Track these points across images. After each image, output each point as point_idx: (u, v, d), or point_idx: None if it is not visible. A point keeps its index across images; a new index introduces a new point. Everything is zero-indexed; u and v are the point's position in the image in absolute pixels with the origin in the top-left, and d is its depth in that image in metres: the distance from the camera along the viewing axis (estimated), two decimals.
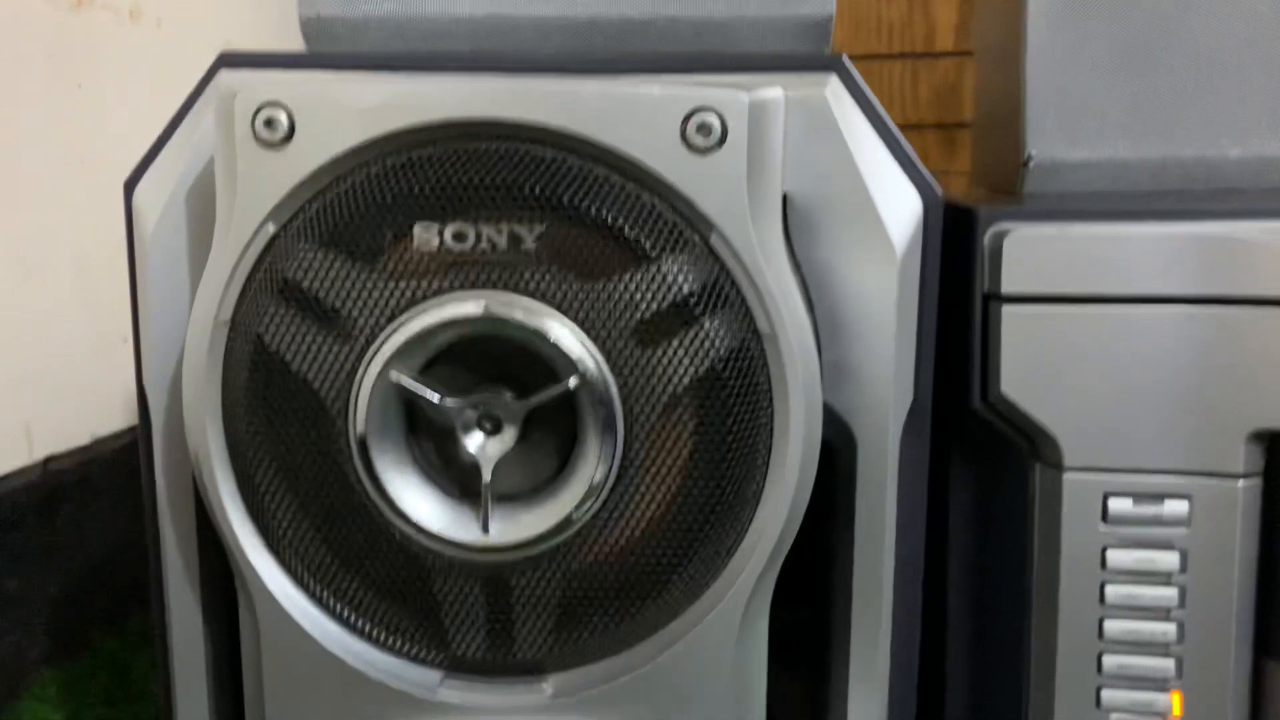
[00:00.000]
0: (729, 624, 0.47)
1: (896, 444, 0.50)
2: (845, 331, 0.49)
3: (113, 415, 1.16)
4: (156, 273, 0.50)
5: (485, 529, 0.45)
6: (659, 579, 0.47)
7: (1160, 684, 0.50)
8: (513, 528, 0.46)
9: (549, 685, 0.48)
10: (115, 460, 1.14)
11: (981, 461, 0.54)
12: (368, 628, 0.48)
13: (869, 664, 0.52)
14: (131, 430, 1.19)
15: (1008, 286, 0.49)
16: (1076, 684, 0.50)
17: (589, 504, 0.45)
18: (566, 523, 0.45)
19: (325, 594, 0.48)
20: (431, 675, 0.48)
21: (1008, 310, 0.50)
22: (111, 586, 1.12)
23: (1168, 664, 0.50)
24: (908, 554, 0.52)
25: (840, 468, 0.52)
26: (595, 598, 0.47)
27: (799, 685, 0.61)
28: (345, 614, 0.48)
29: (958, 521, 0.55)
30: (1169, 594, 0.49)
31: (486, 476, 0.45)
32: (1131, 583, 0.49)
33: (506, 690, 0.48)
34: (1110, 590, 0.50)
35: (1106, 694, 0.50)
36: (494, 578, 0.47)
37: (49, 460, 1.07)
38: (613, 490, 0.45)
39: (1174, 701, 0.50)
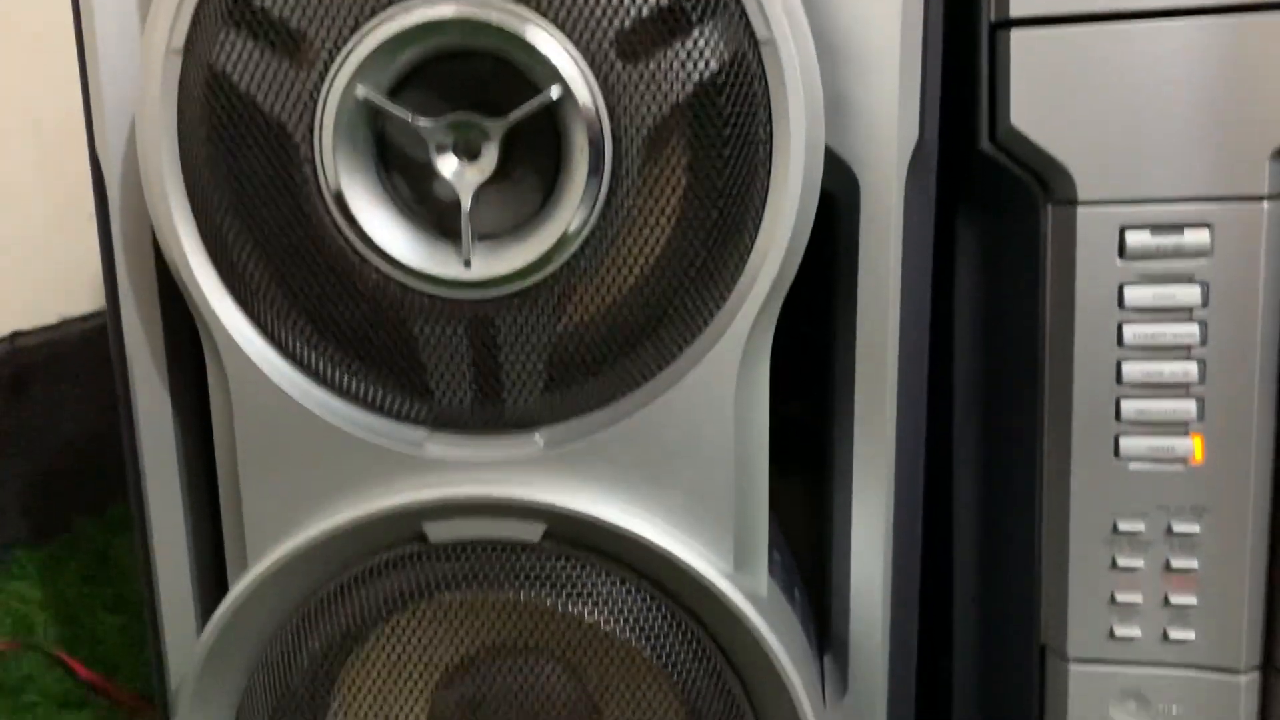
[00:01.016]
0: (727, 366, 0.44)
1: (901, 186, 0.47)
2: (846, 64, 0.46)
3: (80, 297, 1.12)
4: (105, 28, 0.47)
5: (467, 263, 0.42)
6: (654, 317, 0.44)
7: (1180, 428, 0.48)
8: (496, 262, 0.43)
9: (540, 437, 0.45)
10: (85, 343, 1.10)
11: (989, 211, 0.51)
12: (347, 382, 0.45)
13: (873, 448, 0.50)
14: (101, 314, 1.15)
15: (1016, 9, 0.46)
16: (1094, 434, 0.48)
17: (577, 231, 0.42)
18: (555, 251, 0.42)
19: (298, 347, 0.45)
20: (416, 431, 0.46)
21: (1016, 36, 0.47)
22: (87, 472, 1.09)
23: (1189, 405, 0.47)
24: (913, 317, 0.49)
25: (842, 225, 0.49)
26: (586, 341, 0.44)
27: (800, 489, 0.59)
28: (321, 369, 0.45)
29: (964, 281, 0.52)
30: (1190, 330, 0.47)
31: (466, 205, 0.42)
32: (1150, 321, 0.47)
33: (495, 444, 0.45)
34: (1128, 331, 0.47)
35: (1125, 442, 0.48)
36: (478, 323, 0.44)
37: (16, 336, 1.04)
38: (602, 218, 0.42)
39: (1195, 445, 0.48)
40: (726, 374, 0.44)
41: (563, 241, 0.42)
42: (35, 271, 1.06)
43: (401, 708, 0.50)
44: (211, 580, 0.51)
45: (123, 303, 0.48)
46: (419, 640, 0.49)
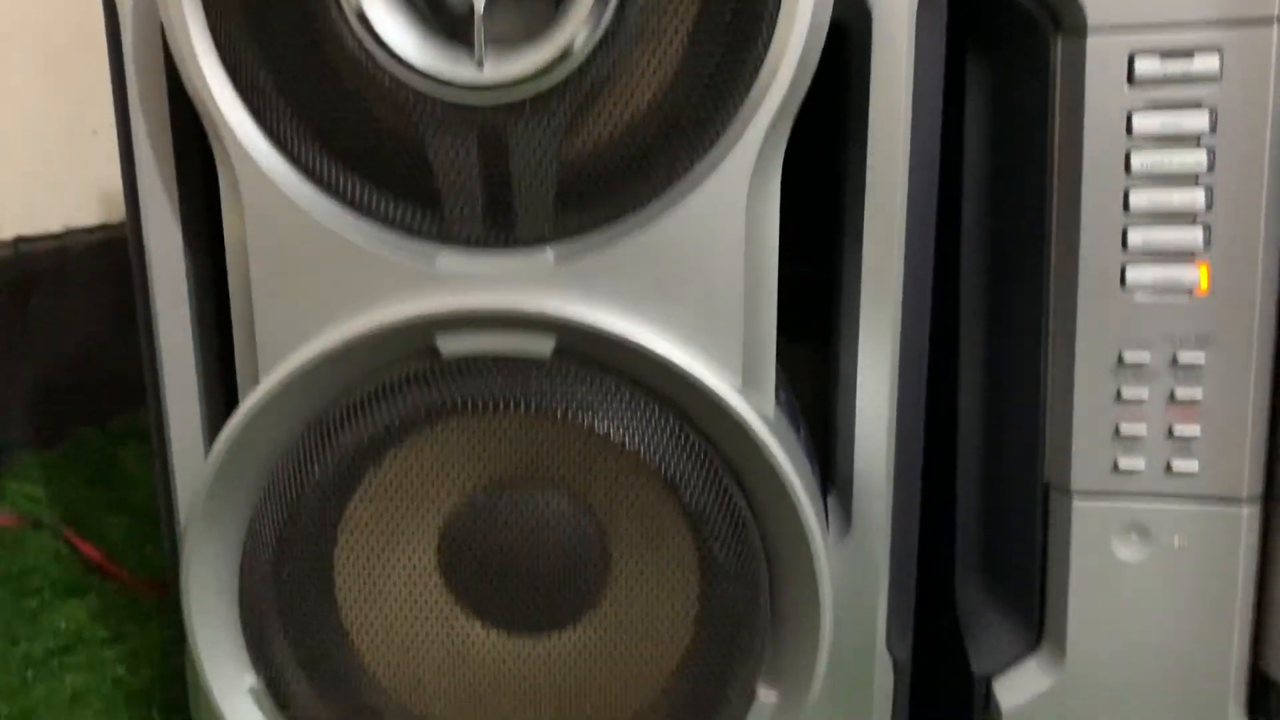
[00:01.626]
0: (739, 179, 0.44)
1: (913, 17, 0.47)
2: None
3: (86, 209, 1.12)
4: None
5: (480, 63, 0.42)
6: (666, 131, 0.44)
7: (1187, 257, 0.48)
8: (510, 65, 0.43)
9: (551, 252, 0.45)
10: (91, 255, 1.10)
11: (998, 46, 0.51)
12: (359, 195, 0.45)
13: (881, 284, 0.50)
14: (107, 227, 1.15)
15: None
16: (1101, 265, 0.48)
17: (588, 37, 0.42)
18: (566, 56, 0.42)
19: (310, 158, 0.45)
20: (428, 245, 0.46)
21: None
22: (93, 384, 1.09)
23: (1195, 234, 0.48)
24: (923, 151, 0.50)
25: (854, 60, 0.49)
26: (598, 155, 0.44)
27: (805, 354, 0.59)
28: (333, 180, 0.45)
29: (974, 117, 0.52)
30: (1198, 158, 0.47)
31: (479, 6, 0.42)
32: (1158, 149, 0.47)
33: (506, 258, 0.45)
34: (1136, 159, 0.47)
35: (1132, 272, 0.48)
36: (490, 134, 0.44)
37: (20, 241, 1.04)
38: (612, 26, 0.42)
39: (1201, 274, 0.48)
40: (738, 187, 0.44)
41: (573, 47, 0.42)
42: (41, 179, 1.06)
43: (408, 542, 0.50)
44: (221, 402, 0.51)
45: (133, 118, 0.49)
46: (426, 472, 0.49)
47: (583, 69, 0.43)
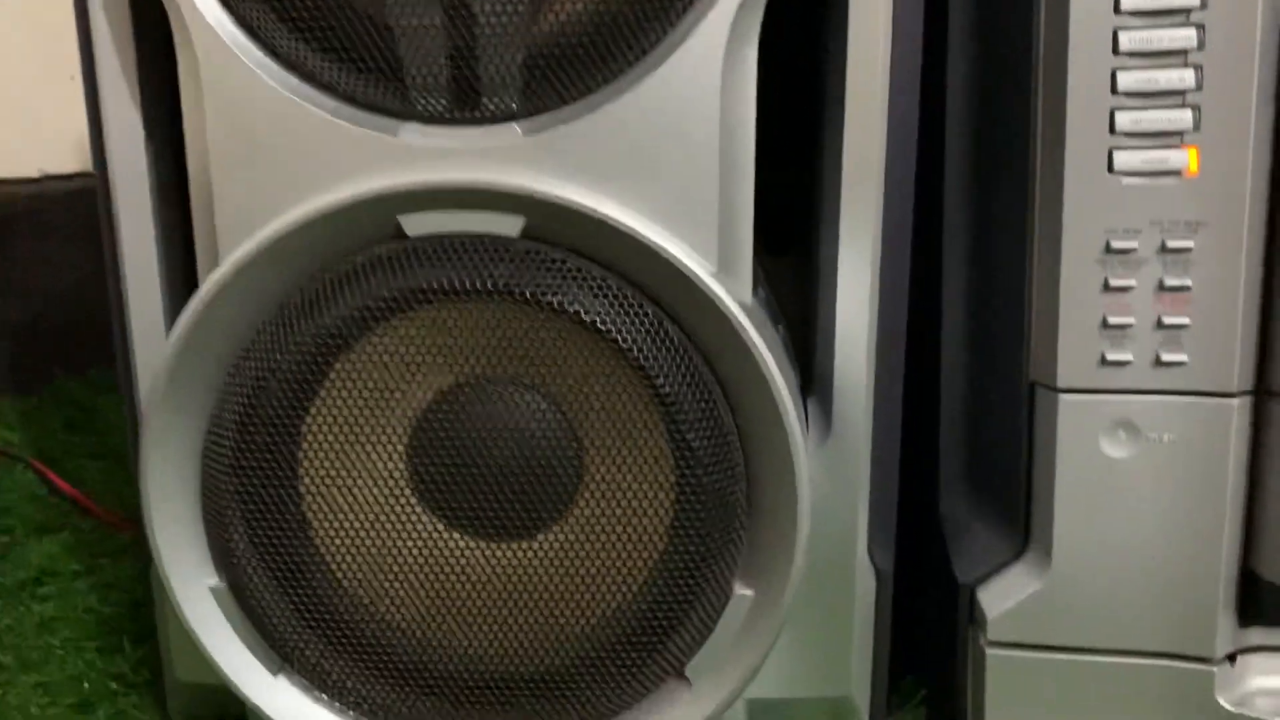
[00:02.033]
0: (712, 51, 0.43)
1: None
2: None
3: (64, 157, 1.10)
4: None
5: None
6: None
7: (1176, 138, 0.46)
8: None
9: (519, 127, 0.44)
10: (69, 202, 1.09)
11: None
12: (321, 70, 0.44)
13: (861, 174, 0.49)
14: (84, 175, 1.14)
15: None
16: (1088, 149, 0.47)
17: None
18: None
19: (270, 30, 0.43)
20: (392, 121, 0.44)
21: None
22: (71, 333, 1.08)
23: (1185, 115, 0.46)
24: (905, 35, 0.48)
25: None
26: (567, 25, 0.43)
27: (787, 271, 0.58)
28: (294, 55, 0.44)
29: (956, 11, 0.51)
30: (1187, 35, 0.45)
31: None
32: (1147, 25, 0.46)
33: (473, 133, 0.44)
34: (1124, 37, 0.46)
35: (1119, 156, 0.47)
36: (455, 4, 0.43)
37: None
38: None
39: (1190, 157, 0.46)
40: (712, 58, 0.43)
41: None
42: (17, 124, 1.04)
43: (376, 442, 0.49)
44: (184, 298, 0.49)
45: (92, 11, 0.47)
46: (394, 367, 0.48)
47: None
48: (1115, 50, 0.46)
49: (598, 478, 0.48)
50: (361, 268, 0.45)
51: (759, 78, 0.45)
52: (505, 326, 0.46)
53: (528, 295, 0.44)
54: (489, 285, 0.44)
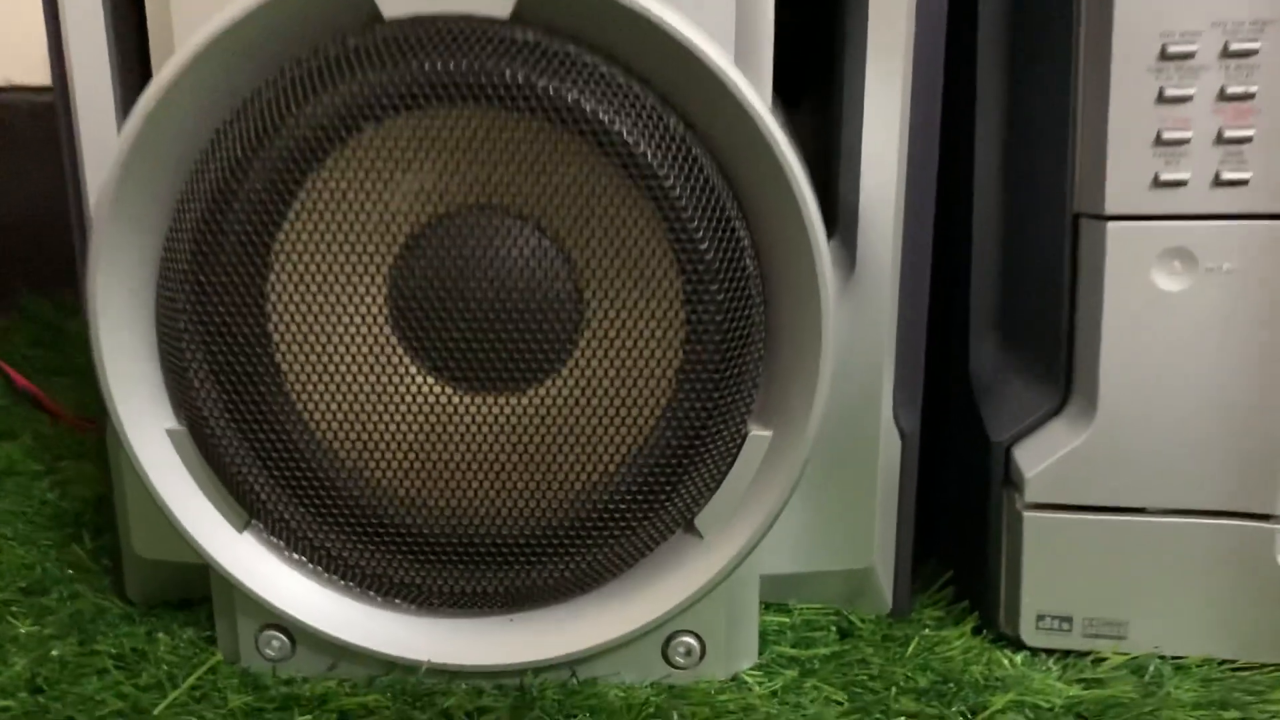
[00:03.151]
0: None
1: None
2: None
3: (33, 68, 1.05)
4: None
5: None
6: None
7: None
8: None
9: None
10: (35, 116, 1.04)
11: None
12: None
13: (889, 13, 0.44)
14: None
15: None
16: None
17: None
18: None
19: None
20: None
21: None
22: (40, 251, 1.03)
23: None
24: None
25: None
26: None
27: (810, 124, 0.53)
28: None
29: None
30: None
31: None
32: None
33: None
34: None
35: None
36: None
37: None
38: None
39: None
40: None
41: None
42: None
43: (352, 278, 0.44)
44: (137, 83, 0.44)
45: None
46: (371, 187, 0.43)
47: None
48: None
49: (599, 320, 0.43)
50: (333, 62, 0.40)
51: None
52: (498, 137, 0.41)
53: (537, 93, 0.39)
54: (492, 81, 0.39)
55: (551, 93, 0.39)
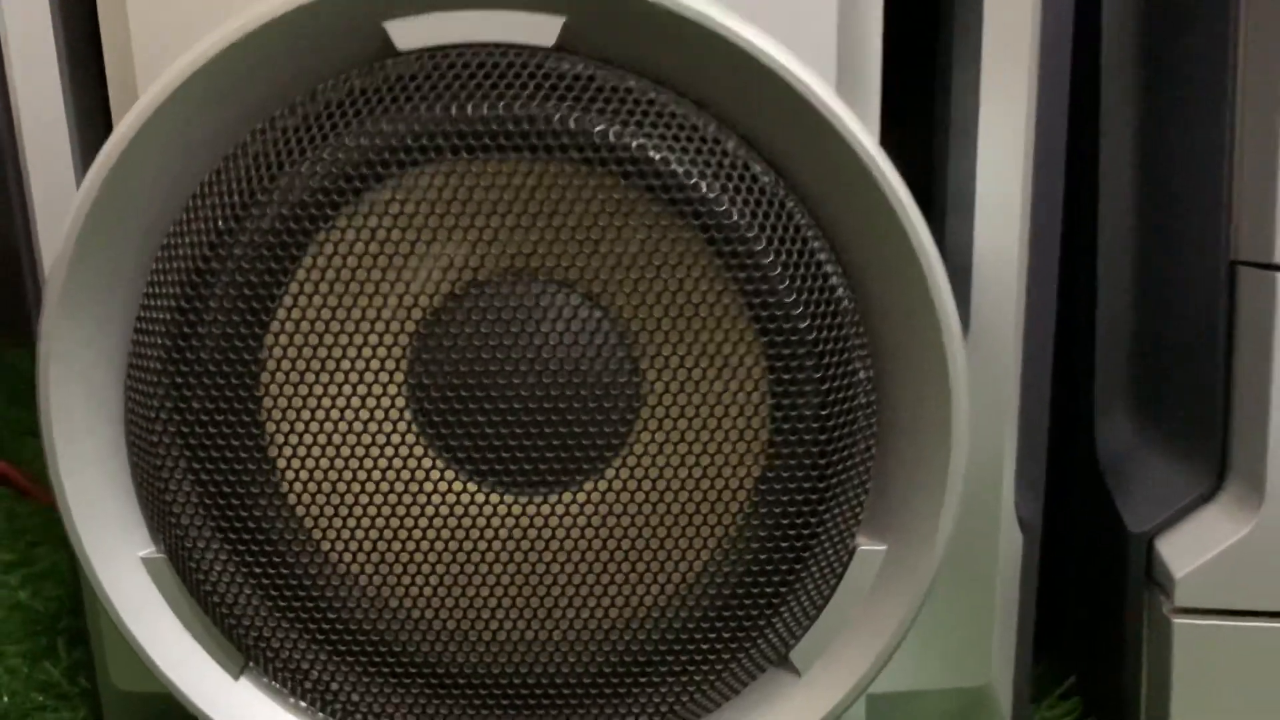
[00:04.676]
0: None
1: None
2: None
3: None
4: None
5: None
6: None
7: None
8: None
9: None
10: None
11: None
12: None
13: (1006, 51, 0.36)
14: None
15: None
16: None
17: None
18: None
19: None
20: None
21: None
22: (9, 296, 0.96)
23: None
24: None
25: None
26: None
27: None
28: None
29: None
30: None
31: None
32: None
33: None
34: None
35: None
36: None
37: None
38: None
39: None
40: None
41: None
42: None
43: (364, 362, 0.36)
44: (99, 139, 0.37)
45: None
46: (383, 255, 0.35)
47: None
48: None
49: (662, 407, 0.36)
50: (335, 107, 0.32)
51: None
52: (541, 191, 0.34)
53: (593, 141, 0.31)
54: (536, 129, 0.31)
55: (612, 140, 0.31)
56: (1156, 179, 0.41)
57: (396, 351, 0.36)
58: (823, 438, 0.34)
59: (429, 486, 0.37)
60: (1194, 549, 0.40)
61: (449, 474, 0.37)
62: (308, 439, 0.36)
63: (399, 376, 0.36)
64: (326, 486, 0.36)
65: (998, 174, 0.38)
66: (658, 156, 0.31)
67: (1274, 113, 0.36)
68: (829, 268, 0.33)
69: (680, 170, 0.31)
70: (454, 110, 0.32)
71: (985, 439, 0.40)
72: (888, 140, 0.43)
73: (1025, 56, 0.37)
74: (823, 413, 0.34)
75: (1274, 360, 0.37)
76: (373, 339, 0.36)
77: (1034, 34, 0.37)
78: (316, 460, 0.36)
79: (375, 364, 0.36)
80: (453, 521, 0.37)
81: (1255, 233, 0.37)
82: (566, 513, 0.37)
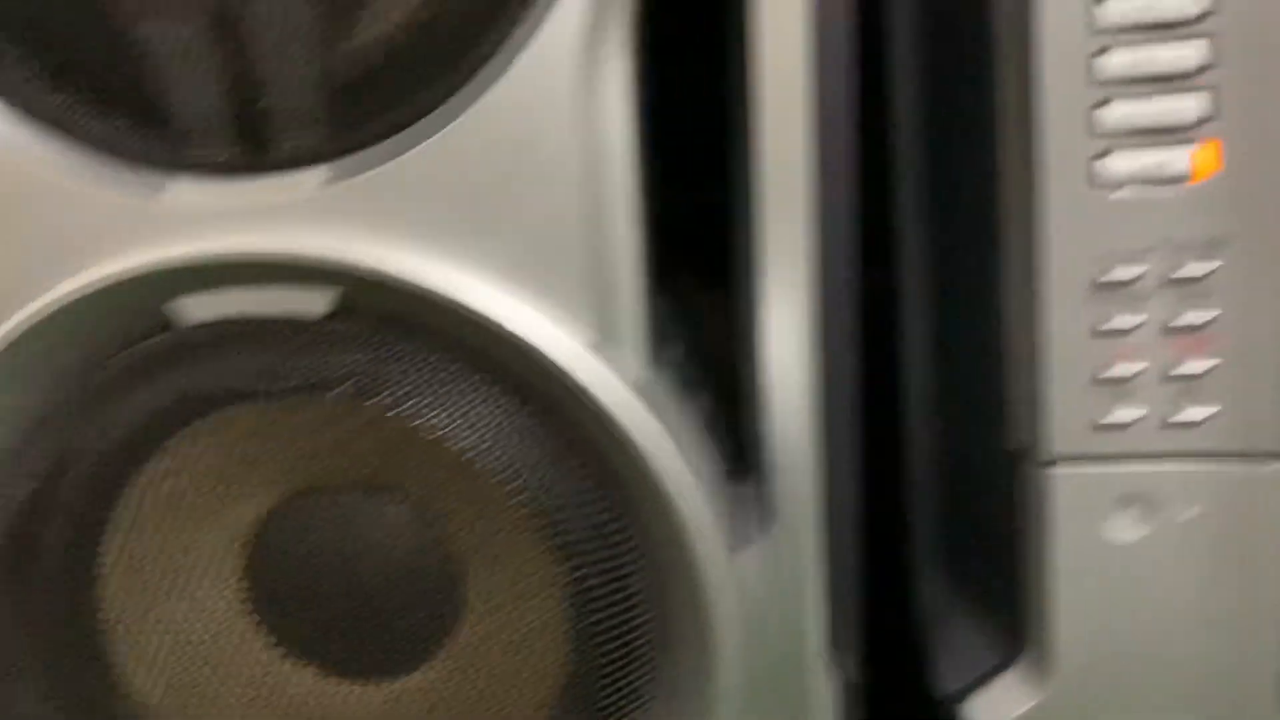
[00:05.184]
0: (559, 57, 0.32)
1: None
2: None
3: None
4: None
5: None
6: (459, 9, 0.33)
7: (1182, 134, 0.36)
8: None
9: (320, 173, 0.34)
10: None
11: None
12: (59, 116, 0.34)
13: (784, 197, 0.38)
14: None
15: None
16: (1065, 154, 0.36)
17: None
18: None
19: None
20: (158, 175, 0.34)
21: None
22: None
23: (1191, 104, 0.36)
24: (829, 34, 0.38)
25: None
26: (378, 35, 0.33)
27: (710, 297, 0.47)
28: (22, 97, 0.34)
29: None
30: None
31: None
32: None
33: (262, 185, 0.34)
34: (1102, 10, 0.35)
35: (1104, 163, 0.36)
36: (224, 20, 0.33)
37: None
38: None
39: (1203, 157, 0.36)
40: (559, 66, 0.33)
41: None
42: None
43: (200, 570, 0.39)
44: None
45: None
46: (203, 481, 0.38)
47: None
48: (1092, 27, 0.36)
49: (480, 604, 0.38)
50: (125, 373, 0.35)
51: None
52: (340, 423, 0.36)
53: (335, 397, 0.34)
54: (281, 387, 0.34)
55: (389, 402, 0.34)
56: (952, 361, 0.43)
57: (230, 554, 0.39)
58: (613, 648, 0.37)
59: (269, 677, 0.40)
60: (995, 712, 0.42)
61: (286, 665, 0.40)
62: (150, 647, 0.39)
63: (234, 577, 0.39)
64: (169, 686, 0.40)
65: (786, 350, 0.40)
66: (431, 417, 0.34)
67: (1036, 318, 0.38)
68: (604, 501, 0.36)
69: (450, 427, 0.34)
70: (236, 373, 0.34)
71: (792, 607, 0.42)
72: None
73: (801, 249, 0.38)
74: (608, 619, 0.37)
75: (1052, 549, 0.39)
76: (203, 552, 0.39)
77: (805, 243, 0.39)
78: (162, 670, 0.39)
79: (209, 570, 0.39)
80: (293, 708, 0.40)
81: (1029, 428, 0.39)
82: (397, 697, 0.40)
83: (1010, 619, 0.42)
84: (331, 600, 0.39)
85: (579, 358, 0.33)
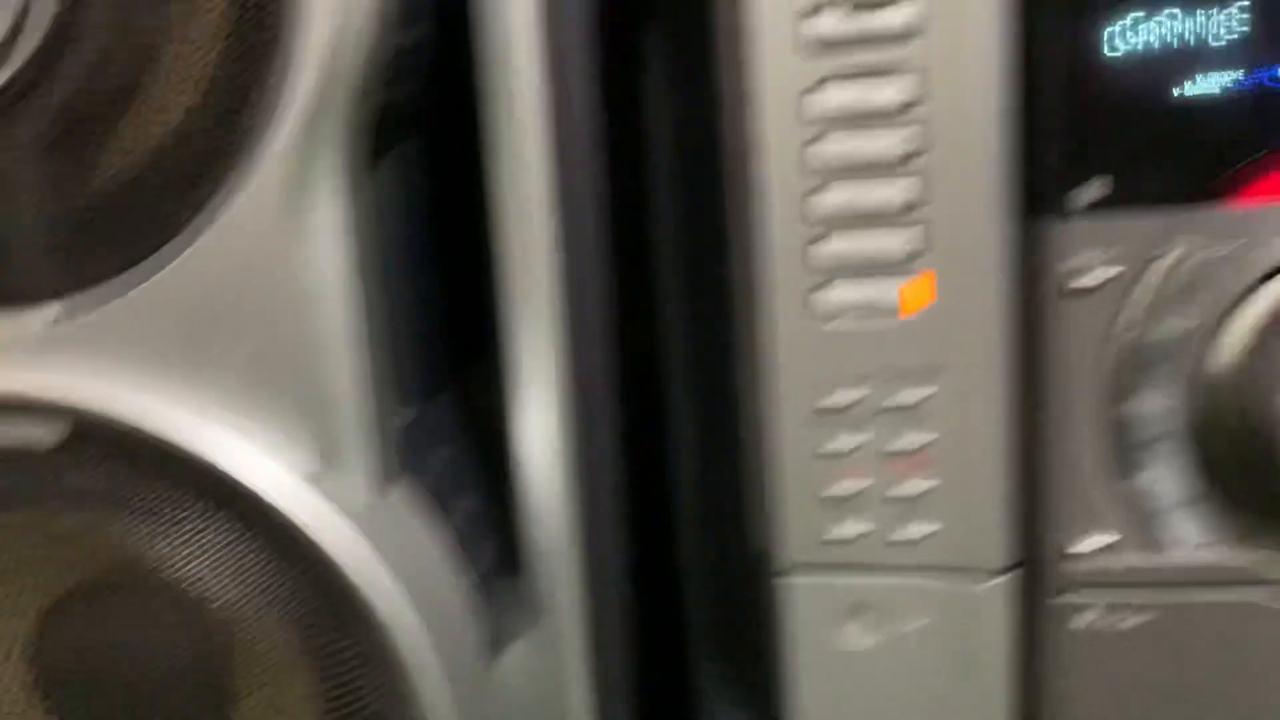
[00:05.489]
0: (268, 196, 0.34)
1: None
2: None
3: None
4: None
5: None
6: (182, 138, 0.34)
7: (893, 266, 0.37)
8: None
9: (50, 311, 0.36)
10: None
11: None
12: None
13: (534, 332, 0.40)
14: None
15: None
16: (783, 285, 0.37)
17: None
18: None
19: None
20: None
21: None
22: None
23: (901, 238, 0.36)
24: (573, 144, 0.39)
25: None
26: (107, 175, 0.35)
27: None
28: None
29: (656, 105, 0.42)
30: (901, 136, 0.36)
31: None
32: (846, 128, 0.36)
33: None
34: (814, 150, 0.36)
35: (818, 296, 0.37)
36: None
37: None
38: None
39: (913, 290, 0.37)
40: (268, 205, 0.34)
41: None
42: None
43: None
44: None
45: None
46: None
47: (44, 63, 0.33)
48: (808, 164, 0.37)
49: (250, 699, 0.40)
50: None
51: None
52: (87, 539, 0.38)
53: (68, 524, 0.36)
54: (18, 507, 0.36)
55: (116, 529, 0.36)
56: (710, 471, 0.44)
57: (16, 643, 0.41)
58: None
59: None
60: None
61: None
62: None
63: (22, 664, 0.41)
64: None
65: (540, 466, 0.41)
66: (160, 547, 0.36)
67: (766, 419, 0.39)
68: (334, 622, 0.37)
69: (161, 548, 0.36)
70: None
71: (560, 701, 0.44)
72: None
73: (549, 367, 0.40)
74: None
75: (792, 653, 0.41)
76: None
77: (553, 344, 0.40)
78: None
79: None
80: None
81: (767, 538, 0.41)
82: None
83: (771, 712, 0.43)
84: (113, 691, 0.41)
85: (292, 492, 0.35)
